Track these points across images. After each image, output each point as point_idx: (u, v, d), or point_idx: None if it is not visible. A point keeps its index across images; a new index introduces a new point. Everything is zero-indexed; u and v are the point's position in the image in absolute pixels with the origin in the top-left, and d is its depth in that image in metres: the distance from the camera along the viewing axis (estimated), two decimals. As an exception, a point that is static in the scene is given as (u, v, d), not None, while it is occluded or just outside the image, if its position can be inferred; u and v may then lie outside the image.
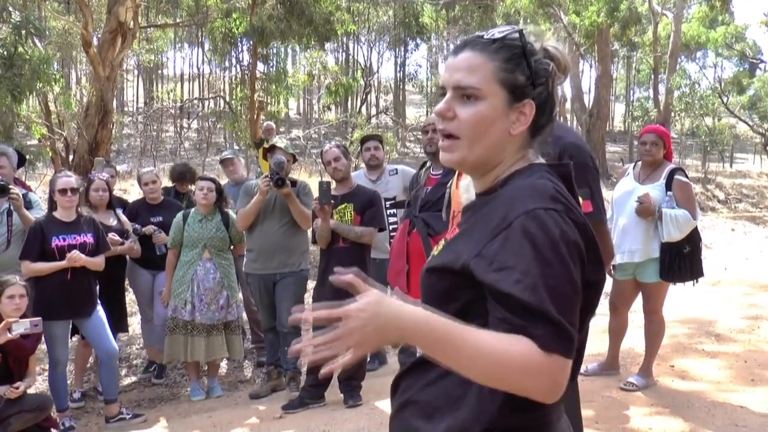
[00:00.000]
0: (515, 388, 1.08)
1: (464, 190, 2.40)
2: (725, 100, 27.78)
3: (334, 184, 4.61)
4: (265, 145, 5.57)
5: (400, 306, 1.10)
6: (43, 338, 4.45)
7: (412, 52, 37.16)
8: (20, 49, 8.80)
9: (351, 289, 1.13)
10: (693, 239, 4.35)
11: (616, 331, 4.70)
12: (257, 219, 4.89)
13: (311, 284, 5.48)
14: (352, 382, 4.61)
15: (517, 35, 1.27)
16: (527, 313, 1.08)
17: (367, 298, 1.10)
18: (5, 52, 8.65)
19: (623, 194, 4.55)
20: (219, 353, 5.12)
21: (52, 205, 4.61)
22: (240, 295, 5.44)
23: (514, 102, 1.26)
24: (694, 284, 4.47)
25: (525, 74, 1.26)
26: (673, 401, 4.25)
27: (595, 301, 1.25)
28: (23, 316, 4.11)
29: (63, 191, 4.54)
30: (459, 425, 1.19)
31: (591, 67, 25.21)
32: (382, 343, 1.11)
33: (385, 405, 4.45)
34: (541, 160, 1.33)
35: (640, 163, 4.61)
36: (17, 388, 4.06)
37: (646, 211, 4.31)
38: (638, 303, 4.68)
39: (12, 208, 4.62)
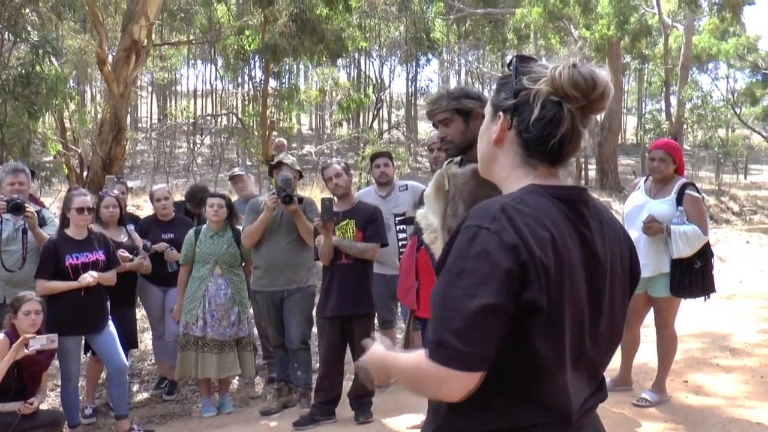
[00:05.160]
0: (423, 393, 1.33)
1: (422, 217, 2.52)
2: (738, 111, 27.62)
3: (336, 201, 4.63)
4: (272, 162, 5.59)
5: (383, 353, 1.45)
6: (55, 354, 4.49)
7: (423, 67, 37.28)
8: (38, 67, 8.93)
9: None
10: (704, 254, 4.32)
11: (628, 346, 4.67)
12: (264, 236, 4.92)
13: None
14: (363, 398, 4.60)
15: (514, 61, 1.41)
16: (431, 321, 1.27)
17: (368, 353, 1.49)
18: (23, 71, 8.78)
19: (634, 208, 4.54)
20: (231, 370, 5.12)
21: (64, 221, 4.66)
22: (251, 311, 5.46)
23: (494, 116, 1.42)
24: (705, 300, 4.44)
25: (507, 94, 1.39)
26: (687, 417, 4.21)
27: (555, 322, 1.24)
28: (38, 332, 4.16)
29: (80, 210, 4.58)
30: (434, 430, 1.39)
31: (602, 80, 25.09)
32: (383, 379, 1.50)
33: (396, 422, 4.43)
34: (549, 182, 1.36)
35: (651, 177, 4.60)
36: (32, 404, 4.10)
37: (655, 231, 4.30)
38: (650, 317, 4.65)
39: (27, 225, 4.67)
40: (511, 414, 1.29)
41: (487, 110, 1.46)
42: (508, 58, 1.47)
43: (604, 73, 1.34)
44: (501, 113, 1.39)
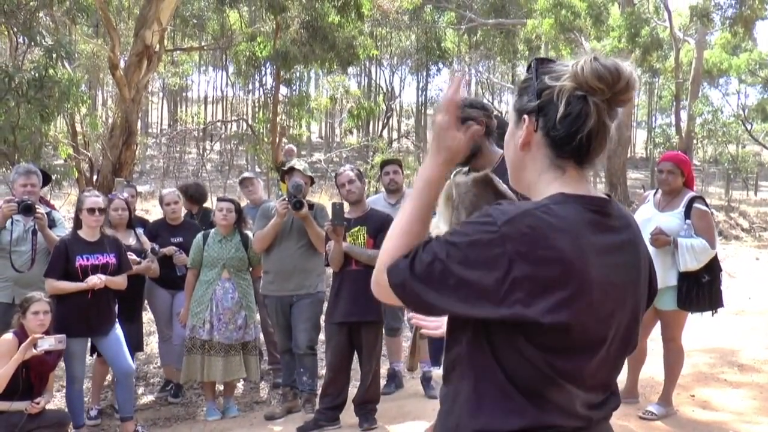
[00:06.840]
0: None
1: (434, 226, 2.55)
2: (749, 127, 27.51)
3: (347, 206, 4.64)
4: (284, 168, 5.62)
5: None
6: (63, 354, 4.50)
7: (433, 77, 37.41)
8: (51, 71, 8.99)
9: None
10: (712, 268, 4.31)
11: (635, 358, 4.64)
12: (274, 241, 4.94)
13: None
14: (367, 405, 4.60)
15: (533, 63, 1.38)
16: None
17: None
18: (37, 75, 8.84)
19: (642, 221, 4.51)
20: (236, 373, 5.13)
21: (78, 223, 4.69)
22: (257, 316, 5.48)
23: (519, 121, 1.39)
24: (713, 314, 4.42)
25: (530, 96, 1.36)
26: (693, 431, 4.18)
27: (575, 338, 1.23)
28: (46, 333, 4.18)
29: (91, 210, 4.61)
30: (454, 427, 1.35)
31: (613, 93, 25.11)
32: None
33: (400, 429, 4.42)
34: (578, 190, 1.32)
35: (660, 190, 4.59)
36: (38, 403, 4.12)
37: (661, 243, 4.29)
38: (657, 331, 4.63)
39: (36, 227, 4.71)
40: (533, 414, 1.26)
41: (511, 117, 1.42)
42: (529, 62, 1.41)
43: (627, 64, 1.31)
44: (526, 116, 1.35)
